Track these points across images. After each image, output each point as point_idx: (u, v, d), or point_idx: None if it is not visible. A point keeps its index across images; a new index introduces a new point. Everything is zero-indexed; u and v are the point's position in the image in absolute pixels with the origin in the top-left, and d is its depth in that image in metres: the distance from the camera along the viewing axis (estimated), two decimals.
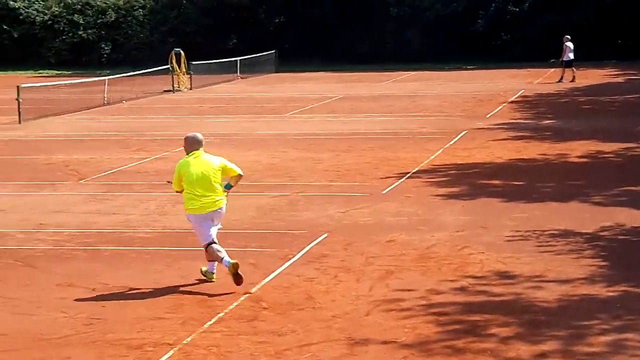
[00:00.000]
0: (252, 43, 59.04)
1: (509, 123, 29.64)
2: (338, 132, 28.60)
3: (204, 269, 13.00)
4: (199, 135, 13.04)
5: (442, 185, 19.50)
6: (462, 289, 12.28)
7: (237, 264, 12.30)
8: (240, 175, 13.08)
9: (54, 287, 12.78)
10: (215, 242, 12.67)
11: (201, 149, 12.85)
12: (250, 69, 54.06)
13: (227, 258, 12.44)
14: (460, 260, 13.65)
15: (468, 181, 19.93)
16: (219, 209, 12.78)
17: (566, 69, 43.91)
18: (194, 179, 12.60)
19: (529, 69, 50.90)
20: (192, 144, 12.86)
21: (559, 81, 43.66)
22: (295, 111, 35.19)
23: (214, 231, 12.76)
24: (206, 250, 12.73)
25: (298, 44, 61.78)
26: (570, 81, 43.26)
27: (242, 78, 52.27)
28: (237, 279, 12.30)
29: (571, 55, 43.60)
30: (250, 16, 63.67)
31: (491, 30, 58.07)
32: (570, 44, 43.55)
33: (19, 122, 32.77)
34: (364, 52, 58.99)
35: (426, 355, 9.88)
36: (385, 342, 10.29)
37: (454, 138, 26.36)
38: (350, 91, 42.89)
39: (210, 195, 12.66)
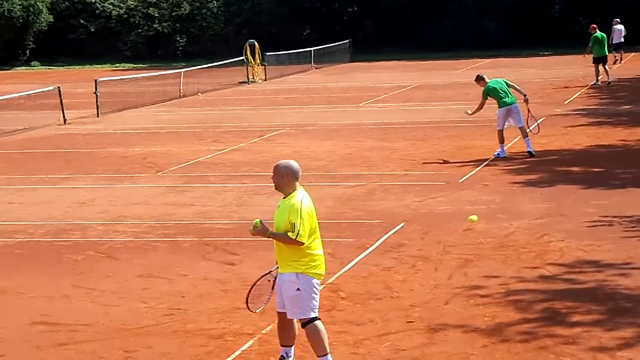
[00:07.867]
0: (326, 33, 59.12)
1: (588, 109, 29.24)
2: (413, 120, 28.48)
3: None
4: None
5: (520, 173, 19.31)
6: (542, 277, 12.15)
7: None
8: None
9: (135, 278, 12.93)
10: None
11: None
12: (324, 59, 54.10)
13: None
14: (540, 248, 13.51)
15: (546, 168, 19.72)
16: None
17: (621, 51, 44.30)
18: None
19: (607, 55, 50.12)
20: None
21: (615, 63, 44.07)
22: (370, 100, 35.12)
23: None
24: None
25: (372, 33, 61.66)
26: (613, 63, 43.58)
27: (316, 68, 52.32)
28: None
29: (622, 39, 43.67)
30: (323, 6, 63.73)
31: (568, 15, 57.28)
32: (619, 27, 43.59)
33: (97, 116, 33.20)
34: (439, 40, 58.54)
35: (507, 343, 9.79)
36: (465, 331, 10.22)
37: (532, 125, 26.02)
38: (425, 79, 42.68)
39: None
